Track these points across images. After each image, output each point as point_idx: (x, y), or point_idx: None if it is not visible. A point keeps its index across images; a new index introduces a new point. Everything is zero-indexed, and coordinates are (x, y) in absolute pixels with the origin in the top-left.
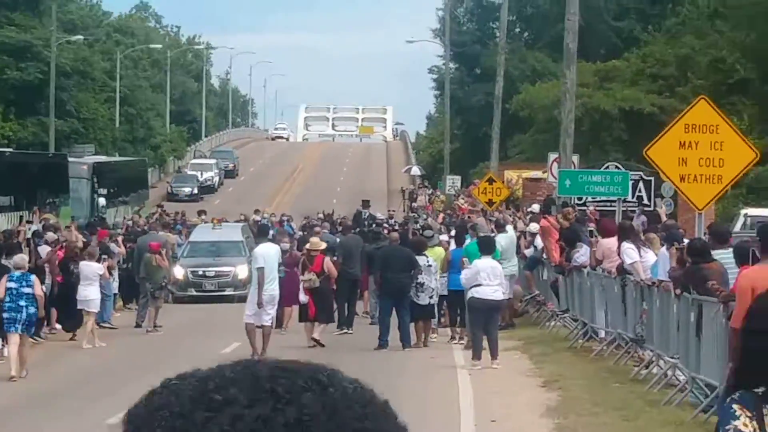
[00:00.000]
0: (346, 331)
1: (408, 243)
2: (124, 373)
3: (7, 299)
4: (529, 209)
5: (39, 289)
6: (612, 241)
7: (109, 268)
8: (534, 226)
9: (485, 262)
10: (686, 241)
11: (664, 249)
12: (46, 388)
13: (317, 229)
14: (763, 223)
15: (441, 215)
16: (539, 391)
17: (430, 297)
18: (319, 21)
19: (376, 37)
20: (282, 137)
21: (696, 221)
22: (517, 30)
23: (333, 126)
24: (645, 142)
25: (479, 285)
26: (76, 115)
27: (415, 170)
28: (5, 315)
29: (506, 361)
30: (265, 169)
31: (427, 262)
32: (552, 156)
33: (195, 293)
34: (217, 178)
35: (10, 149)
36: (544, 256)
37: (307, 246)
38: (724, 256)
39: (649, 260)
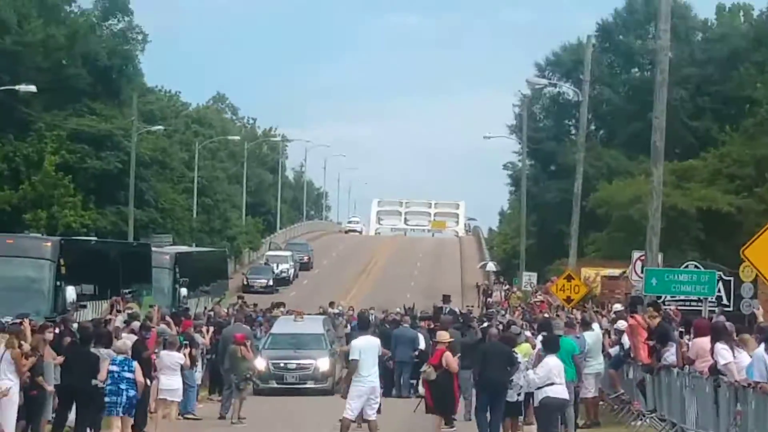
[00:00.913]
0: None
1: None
2: None
3: (109, 382)
4: (613, 307)
5: (140, 376)
6: (706, 341)
7: (193, 359)
8: (621, 324)
9: (554, 361)
10: None
11: (761, 349)
12: None
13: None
14: None
15: (517, 311)
16: None
17: (518, 394)
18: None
19: (447, 133)
20: (355, 230)
21: None
22: (593, 127)
23: (405, 220)
24: (722, 242)
25: (552, 384)
26: (155, 205)
27: (491, 266)
28: (107, 399)
29: None
30: (339, 262)
31: (516, 358)
32: (636, 254)
33: (276, 385)
34: (292, 270)
35: (95, 238)
36: (630, 354)
37: (436, 338)
38: None
39: (743, 361)
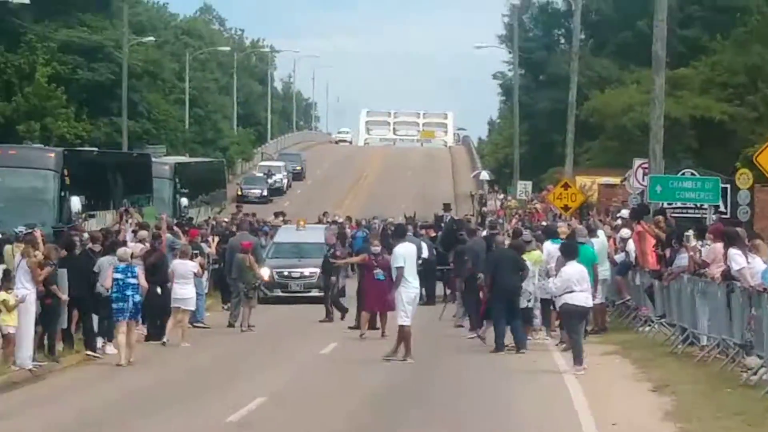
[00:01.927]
0: (478, 334)
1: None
2: (229, 371)
3: (114, 290)
4: (618, 215)
5: (143, 280)
6: (721, 246)
7: (201, 267)
8: (626, 232)
9: (573, 268)
10: None
11: None
12: (154, 386)
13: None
14: None
15: (513, 220)
16: (651, 396)
17: (528, 300)
18: (380, 25)
19: (435, 44)
20: (345, 140)
21: None
22: (582, 36)
23: (394, 131)
24: (715, 149)
25: (571, 291)
26: (147, 116)
27: (484, 175)
28: (114, 306)
29: (608, 366)
30: (332, 172)
31: (526, 264)
32: (637, 161)
33: (281, 294)
34: (285, 181)
35: (96, 149)
36: (637, 261)
37: None
38: None
39: (757, 266)
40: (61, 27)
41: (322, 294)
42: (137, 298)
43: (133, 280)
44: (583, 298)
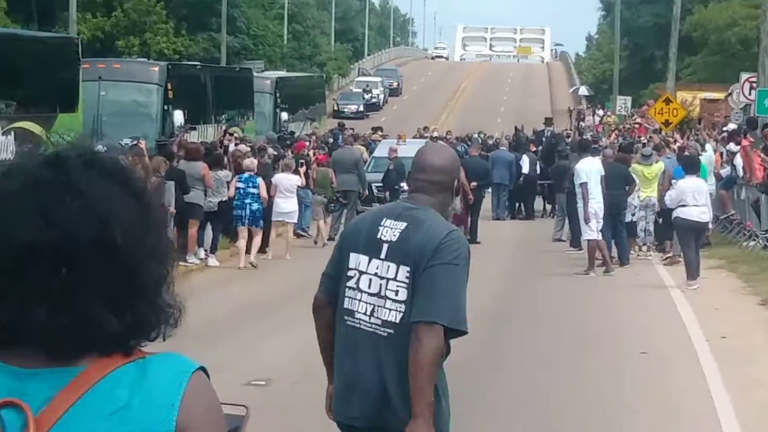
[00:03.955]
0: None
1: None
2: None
3: (236, 198)
4: (724, 128)
5: (264, 191)
6: None
7: (308, 178)
8: (733, 146)
9: (690, 182)
10: None
11: None
12: (263, 299)
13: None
14: None
15: (612, 134)
16: (760, 309)
17: (633, 214)
18: None
19: None
20: (442, 56)
21: None
22: None
23: (491, 46)
24: None
25: (685, 205)
26: (246, 32)
27: (583, 90)
28: (234, 213)
29: (715, 280)
30: (428, 87)
31: (633, 178)
32: (744, 76)
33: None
34: (382, 96)
35: (199, 63)
36: (743, 176)
37: None
38: None
39: None
40: None
41: None
42: (255, 206)
43: (253, 190)
44: (696, 212)
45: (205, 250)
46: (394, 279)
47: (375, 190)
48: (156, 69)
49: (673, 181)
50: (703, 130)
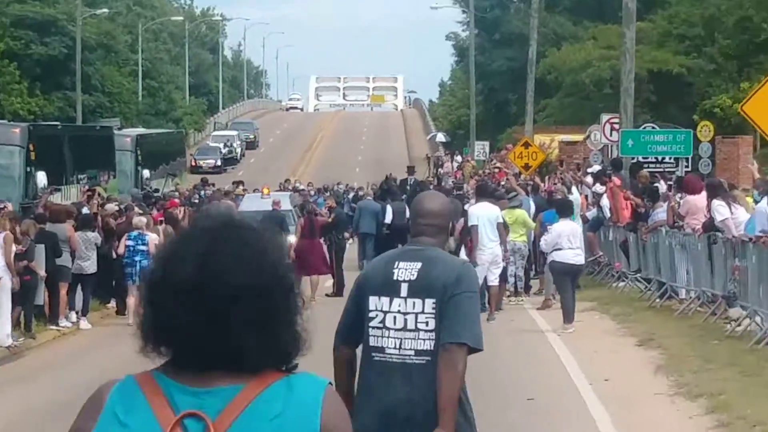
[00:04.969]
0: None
1: None
2: None
3: (125, 255)
4: (588, 170)
5: (153, 247)
6: (698, 198)
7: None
8: (599, 187)
9: (564, 225)
10: None
11: (763, 203)
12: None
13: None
14: None
15: (472, 181)
16: (638, 350)
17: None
18: None
19: (382, 9)
20: (296, 107)
21: None
22: None
23: (344, 95)
24: (673, 103)
25: (560, 249)
26: (101, 89)
27: (440, 137)
28: (125, 270)
29: (589, 322)
30: (284, 139)
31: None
32: (605, 117)
33: None
34: (239, 150)
35: (59, 123)
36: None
37: None
38: None
39: (740, 217)
40: (13, 2)
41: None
42: (144, 263)
43: (143, 247)
44: (572, 255)
45: (77, 313)
46: (422, 312)
47: None
48: (17, 131)
49: (547, 225)
50: (567, 172)
